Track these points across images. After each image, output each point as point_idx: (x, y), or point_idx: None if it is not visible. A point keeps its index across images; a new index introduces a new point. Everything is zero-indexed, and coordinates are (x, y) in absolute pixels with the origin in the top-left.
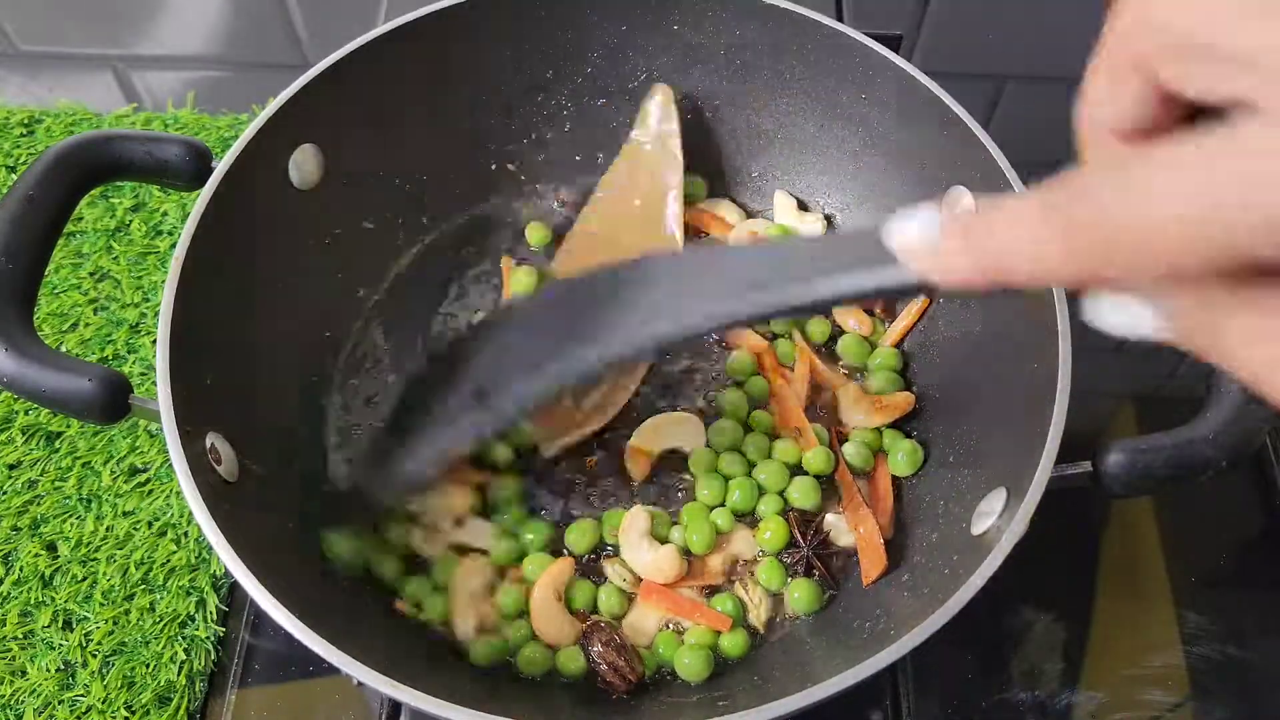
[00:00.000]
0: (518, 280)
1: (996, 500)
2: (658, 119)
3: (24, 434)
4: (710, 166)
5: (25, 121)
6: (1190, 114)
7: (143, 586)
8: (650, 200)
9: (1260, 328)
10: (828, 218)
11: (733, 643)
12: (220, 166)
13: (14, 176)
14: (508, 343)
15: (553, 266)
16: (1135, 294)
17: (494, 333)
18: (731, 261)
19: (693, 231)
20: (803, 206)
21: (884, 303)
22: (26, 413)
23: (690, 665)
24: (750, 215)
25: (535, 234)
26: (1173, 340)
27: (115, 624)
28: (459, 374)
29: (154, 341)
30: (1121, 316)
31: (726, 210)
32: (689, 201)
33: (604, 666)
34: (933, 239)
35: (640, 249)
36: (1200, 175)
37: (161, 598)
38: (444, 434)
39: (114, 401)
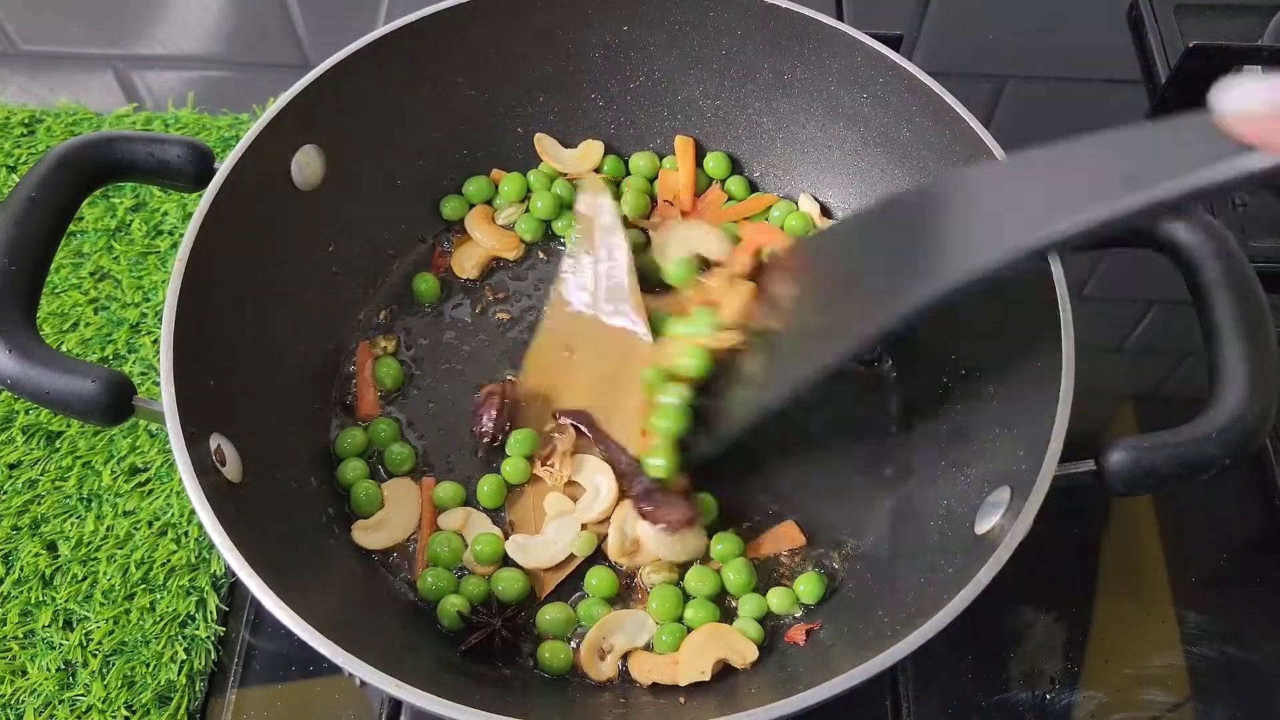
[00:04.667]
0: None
1: (1000, 499)
2: (599, 228)
3: (24, 434)
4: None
5: (26, 121)
6: None
7: (143, 586)
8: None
9: None
10: (826, 212)
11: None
12: (223, 168)
13: (15, 176)
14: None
15: (521, 378)
16: None
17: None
18: (1040, 174)
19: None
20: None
21: None
22: (27, 412)
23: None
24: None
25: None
26: None
27: (115, 623)
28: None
29: (154, 341)
30: None
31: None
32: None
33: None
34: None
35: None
36: None
37: (162, 597)
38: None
39: (117, 403)
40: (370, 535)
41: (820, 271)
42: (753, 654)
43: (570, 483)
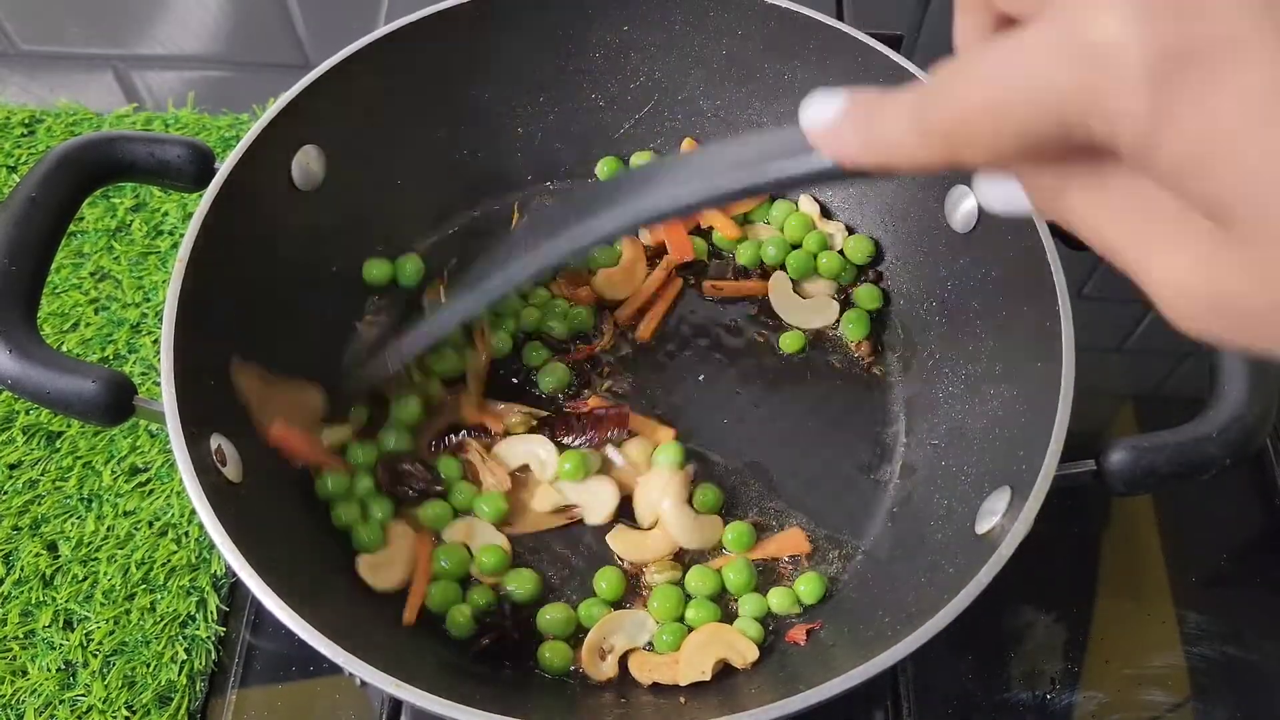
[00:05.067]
0: None
1: (1000, 499)
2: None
3: (25, 434)
4: None
5: (26, 121)
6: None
7: (143, 586)
8: None
9: (1094, 199)
10: (826, 212)
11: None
12: (223, 168)
13: (15, 176)
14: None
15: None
16: (1003, 173)
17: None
18: (690, 160)
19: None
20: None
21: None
22: (27, 412)
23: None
24: (750, 220)
25: None
26: (1040, 212)
27: (116, 624)
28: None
29: (155, 341)
30: (999, 194)
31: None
32: None
33: None
34: (832, 122)
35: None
36: (1001, 69)
37: (162, 597)
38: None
39: (118, 403)
40: (379, 574)
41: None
42: (753, 654)
43: (519, 469)
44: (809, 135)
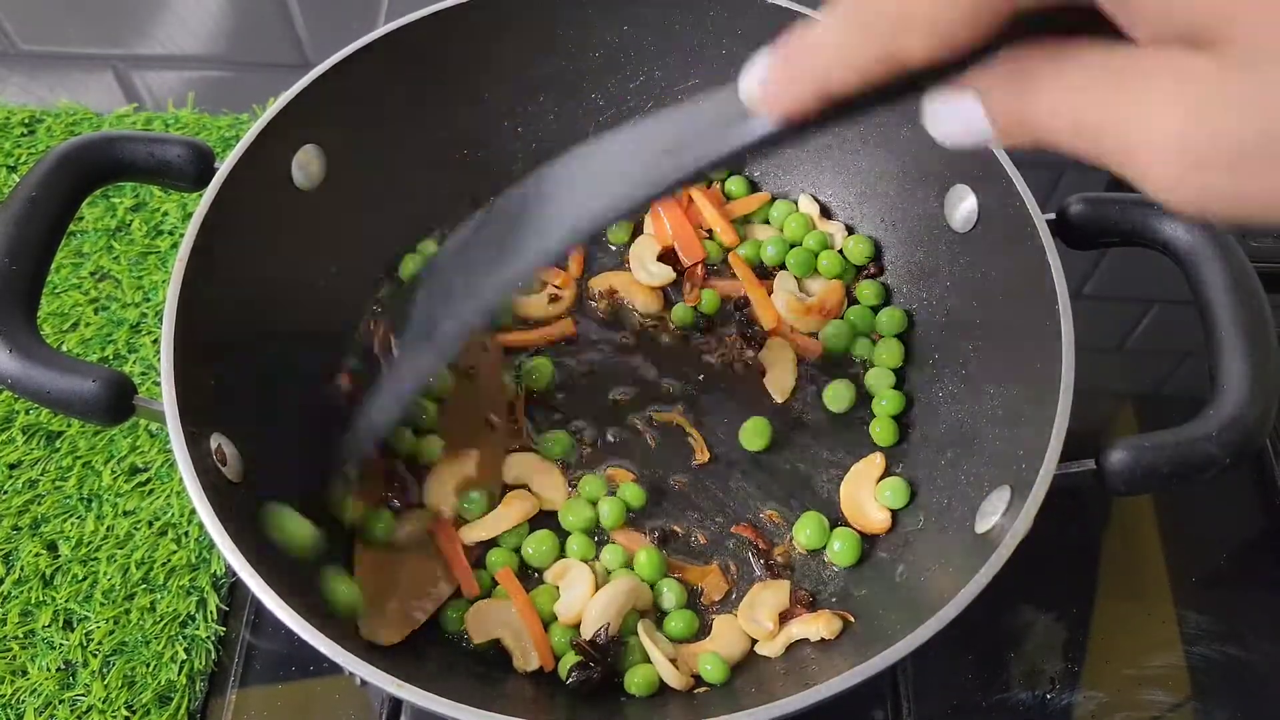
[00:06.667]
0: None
1: (1000, 499)
2: None
3: (24, 433)
4: None
5: (26, 121)
6: None
7: (143, 586)
8: None
9: (1068, 81)
10: (826, 212)
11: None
12: (223, 168)
13: (15, 176)
14: (448, 278)
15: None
16: (956, 90)
17: (433, 274)
18: (622, 145)
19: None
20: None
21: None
22: (27, 412)
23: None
24: (749, 221)
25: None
26: (998, 136)
27: (116, 623)
28: (407, 319)
29: (155, 341)
30: (954, 121)
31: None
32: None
33: None
34: (765, 77)
35: None
36: None
37: (162, 597)
38: (400, 377)
39: (118, 402)
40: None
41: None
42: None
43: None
44: (749, 102)
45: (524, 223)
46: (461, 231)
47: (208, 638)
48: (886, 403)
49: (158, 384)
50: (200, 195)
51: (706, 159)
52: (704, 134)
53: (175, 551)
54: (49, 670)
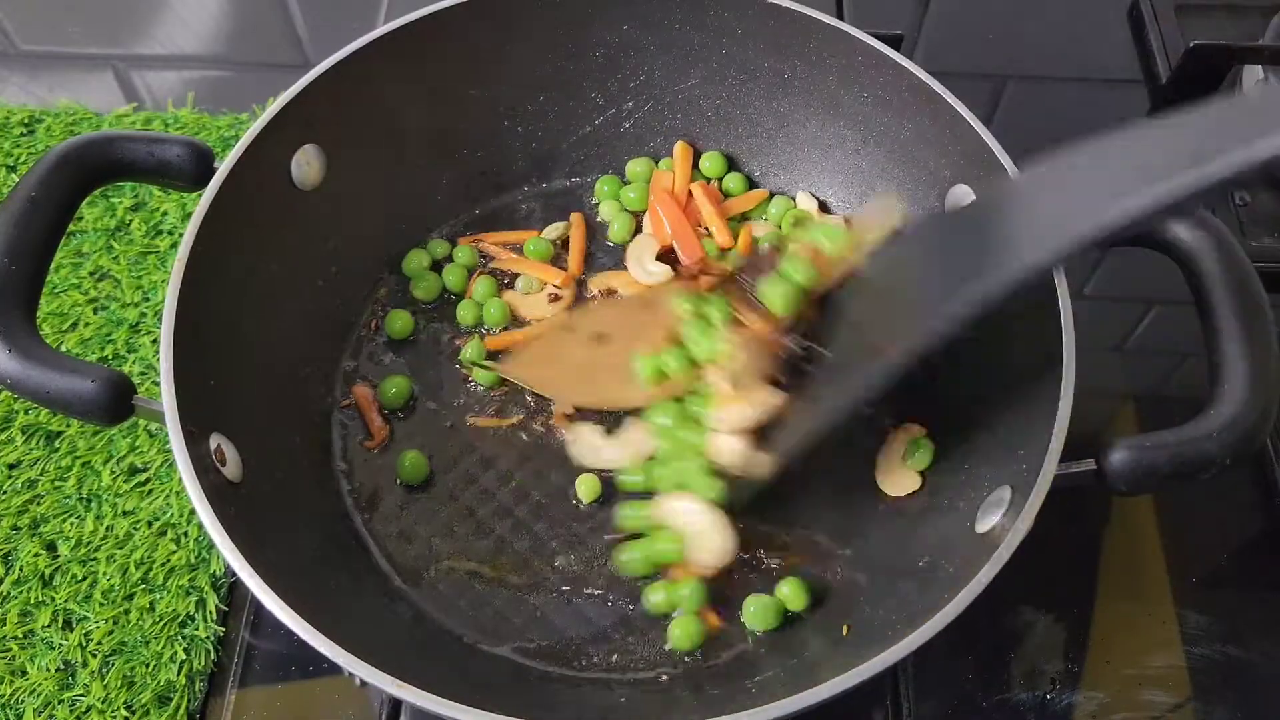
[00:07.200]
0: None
1: (1001, 499)
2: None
3: (24, 433)
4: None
5: (25, 121)
6: None
7: (142, 586)
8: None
9: None
10: (824, 208)
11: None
12: (222, 168)
13: (14, 176)
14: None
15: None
16: None
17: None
18: (1121, 150)
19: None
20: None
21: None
22: (26, 412)
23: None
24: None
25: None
26: None
27: (115, 624)
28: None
29: (154, 341)
30: None
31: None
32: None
33: None
34: None
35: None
36: None
37: (161, 597)
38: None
39: (117, 403)
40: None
41: (878, 282)
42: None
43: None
44: None
45: (984, 234)
46: (904, 237)
47: (207, 638)
48: None
49: (157, 384)
50: (200, 195)
51: (1232, 168)
52: (1217, 145)
53: (174, 551)
54: (48, 670)
